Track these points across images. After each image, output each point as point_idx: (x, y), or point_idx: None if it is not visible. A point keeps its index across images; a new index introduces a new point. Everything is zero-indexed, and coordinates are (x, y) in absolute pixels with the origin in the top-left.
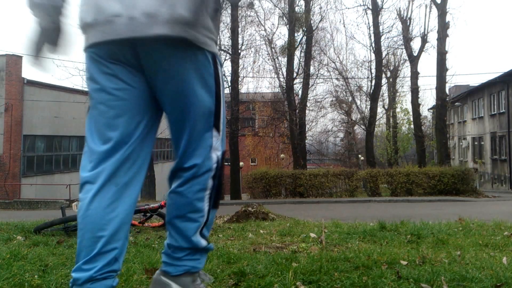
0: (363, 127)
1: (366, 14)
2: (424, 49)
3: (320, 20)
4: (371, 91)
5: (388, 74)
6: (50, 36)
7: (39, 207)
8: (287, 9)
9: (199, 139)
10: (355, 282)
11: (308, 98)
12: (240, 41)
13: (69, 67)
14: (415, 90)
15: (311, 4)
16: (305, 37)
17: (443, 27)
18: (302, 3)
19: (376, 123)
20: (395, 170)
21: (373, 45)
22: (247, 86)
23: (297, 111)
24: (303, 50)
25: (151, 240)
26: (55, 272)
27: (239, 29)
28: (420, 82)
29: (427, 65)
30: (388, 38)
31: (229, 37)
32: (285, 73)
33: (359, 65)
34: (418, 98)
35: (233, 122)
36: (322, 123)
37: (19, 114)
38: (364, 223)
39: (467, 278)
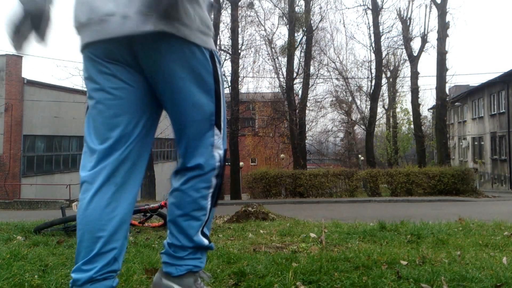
0: (363, 127)
1: (366, 14)
2: (424, 49)
3: (320, 20)
4: (371, 91)
5: (388, 74)
6: (32, 20)
7: (39, 207)
8: (287, 9)
9: (200, 139)
10: (355, 282)
11: (308, 98)
12: (240, 41)
13: (69, 67)
14: (415, 90)
15: (311, 4)
16: (305, 37)
17: (443, 27)
18: (302, 3)
19: (376, 123)
20: (395, 170)
21: (373, 45)
22: (247, 86)
23: (297, 111)
24: (303, 50)
25: (151, 240)
26: (55, 272)
27: (239, 29)
28: (420, 82)
29: (427, 65)
30: (388, 38)
31: (229, 37)
32: (285, 73)
33: (359, 65)
34: (418, 98)
35: (233, 122)
36: (322, 123)
37: (19, 114)
38: (364, 223)
39: (467, 278)
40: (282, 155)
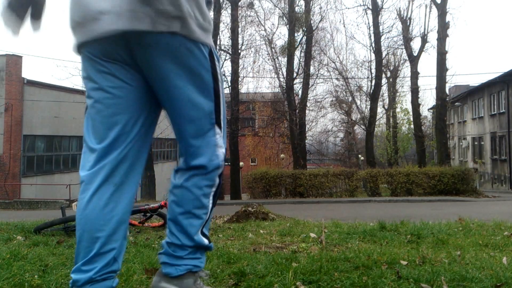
0: (363, 127)
1: (366, 14)
2: (424, 49)
3: (320, 20)
4: (371, 91)
5: (388, 74)
6: (29, 5)
7: (39, 207)
8: (287, 9)
9: (202, 138)
10: (355, 282)
11: (308, 98)
12: (240, 41)
13: (69, 67)
14: (415, 90)
15: (311, 4)
16: (305, 37)
17: (443, 27)
18: (302, 3)
19: (376, 123)
20: (395, 170)
21: (373, 45)
22: (247, 86)
23: (297, 111)
24: (303, 50)
25: (151, 240)
26: (55, 272)
27: (239, 29)
28: (420, 82)
29: (427, 65)
30: (388, 38)
31: (229, 37)
32: (285, 73)
33: (359, 65)
34: (418, 98)
35: (233, 122)
36: (322, 123)
37: (19, 114)
38: (364, 223)
39: (467, 278)
40: (282, 155)
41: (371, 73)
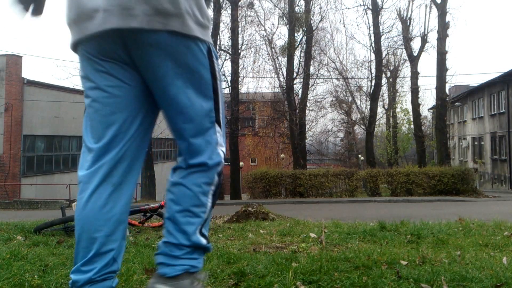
0: (363, 127)
1: (366, 14)
2: (424, 49)
3: (320, 20)
4: (371, 91)
5: (388, 74)
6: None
7: (39, 207)
8: (287, 9)
9: (202, 136)
10: (355, 282)
11: (308, 98)
12: (240, 41)
13: (69, 67)
14: (415, 90)
15: (311, 4)
16: (305, 37)
17: (443, 27)
18: (302, 3)
19: (376, 123)
20: (395, 170)
21: (373, 45)
22: (247, 86)
23: (297, 111)
24: (303, 50)
25: (151, 240)
26: (55, 272)
27: (239, 29)
28: (420, 82)
29: (427, 65)
30: (388, 38)
31: (229, 37)
32: (285, 73)
33: (359, 65)
34: (418, 98)
35: (233, 122)
36: (322, 123)
37: (19, 114)
38: (364, 223)
39: (467, 278)
40: (282, 155)
41: (371, 73)
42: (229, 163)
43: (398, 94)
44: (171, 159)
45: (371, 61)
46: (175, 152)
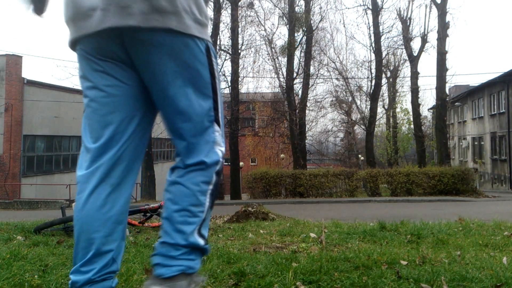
0: (363, 127)
1: (366, 14)
2: (424, 49)
3: (320, 20)
4: (371, 91)
5: (388, 74)
6: None
7: (39, 207)
8: (287, 9)
9: (201, 136)
10: (355, 282)
11: (308, 98)
12: (240, 41)
13: (69, 67)
14: (415, 90)
15: (311, 4)
16: (305, 37)
17: (443, 27)
18: (302, 3)
19: (376, 123)
20: (395, 170)
21: (373, 45)
22: (247, 86)
23: (297, 111)
24: (303, 50)
25: (151, 240)
26: (55, 272)
27: (239, 29)
28: (420, 82)
29: (427, 65)
30: (388, 38)
31: (229, 37)
32: (285, 73)
33: (359, 65)
34: (418, 98)
35: (233, 122)
36: (322, 123)
37: (19, 114)
38: (364, 223)
39: (467, 278)
40: (282, 155)
41: (371, 73)
42: (229, 163)
43: (398, 94)
44: (171, 159)
45: (371, 61)
46: (175, 152)
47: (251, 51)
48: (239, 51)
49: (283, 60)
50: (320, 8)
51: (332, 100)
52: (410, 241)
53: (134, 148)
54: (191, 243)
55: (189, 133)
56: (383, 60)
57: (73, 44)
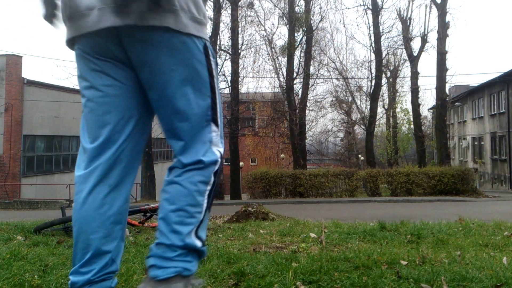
0: (363, 127)
1: (366, 14)
2: (424, 49)
3: (320, 20)
4: (371, 91)
5: (388, 74)
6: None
7: (39, 207)
8: (287, 9)
9: (197, 136)
10: (355, 282)
11: (308, 98)
12: (240, 41)
13: (69, 67)
14: (415, 90)
15: (311, 4)
16: (305, 37)
17: (443, 27)
18: (302, 3)
19: (376, 123)
20: (395, 170)
21: (373, 45)
22: (247, 86)
23: (297, 111)
24: (303, 50)
25: (151, 240)
26: (55, 272)
27: (239, 29)
28: (420, 82)
29: (427, 65)
30: (388, 38)
31: (229, 37)
32: (285, 73)
33: (359, 65)
34: (418, 98)
35: (233, 122)
36: (322, 123)
37: (19, 114)
38: (364, 223)
39: (467, 278)
40: (282, 155)
41: (371, 73)
42: (229, 163)
43: (398, 94)
44: (171, 159)
45: (371, 61)
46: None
47: (251, 51)
48: (239, 51)
49: (283, 60)
50: (320, 8)
51: (332, 100)
52: (410, 241)
53: (132, 148)
54: (188, 245)
55: (187, 133)
56: (383, 60)
57: (71, 43)
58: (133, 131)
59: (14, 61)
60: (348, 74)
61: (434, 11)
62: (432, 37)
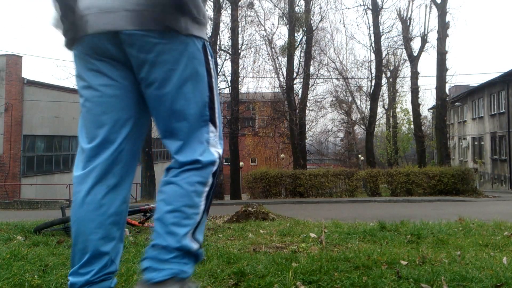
0: (363, 127)
1: (366, 14)
2: (424, 49)
3: (320, 20)
4: (371, 91)
5: (388, 74)
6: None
7: (39, 207)
8: (287, 9)
9: (195, 136)
10: (355, 282)
11: (308, 98)
12: (240, 41)
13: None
14: (415, 90)
15: (311, 4)
16: (305, 37)
17: (443, 27)
18: (302, 3)
19: (376, 123)
20: (395, 170)
21: (373, 45)
22: (247, 86)
23: (297, 111)
24: (303, 50)
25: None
26: (55, 272)
27: (239, 29)
28: (420, 82)
29: (427, 65)
30: (388, 38)
31: (229, 37)
32: (285, 73)
33: (359, 65)
34: (418, 98)
35: (233, 122)
36: (322, 123)
37: (19, 114)
38: (364, 223)
39: (467, 278)
40: (282, 155)
41: (371, 73)
42: (229, 163)
43: (398, 94)
44: (171, 159)
45: (371, 61)
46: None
47: (251, 51)
48: (239, 51)
49: (283, 60)
50: (320, 8)
51: (332, 100)
52: (410, 241)
53: (130, 148)
54: (184, 246)
55: (184, 133)
56: (383, 60)
57: (70, 44)
58: (131, 131)
59: (14, 61)
60: (348, 74)
61: (434, 11)
62: (432, 37)
